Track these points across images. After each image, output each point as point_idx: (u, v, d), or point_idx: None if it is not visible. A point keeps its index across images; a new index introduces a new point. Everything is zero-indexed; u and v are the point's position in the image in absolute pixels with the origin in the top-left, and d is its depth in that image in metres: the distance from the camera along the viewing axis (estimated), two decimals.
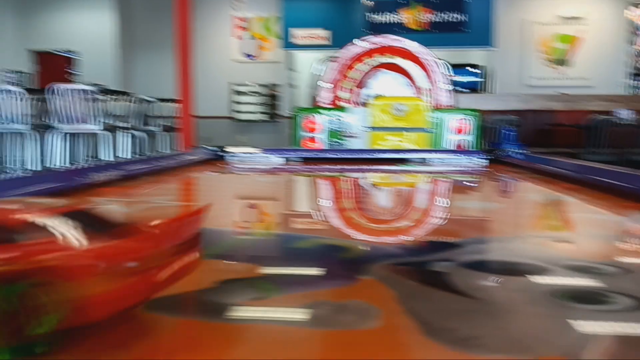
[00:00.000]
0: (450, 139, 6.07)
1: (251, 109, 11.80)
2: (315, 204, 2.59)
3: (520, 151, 5.00)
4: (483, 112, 6.81)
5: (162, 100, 8.97)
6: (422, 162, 4.65)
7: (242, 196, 2.49)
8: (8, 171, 7.03)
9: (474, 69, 11.04)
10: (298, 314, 1.01)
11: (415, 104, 6.16)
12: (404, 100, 6.17)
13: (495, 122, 9.52)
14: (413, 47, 6.78)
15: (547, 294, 1.22)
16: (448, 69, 7.27)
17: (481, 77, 10.98)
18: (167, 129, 8.68)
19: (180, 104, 7.28)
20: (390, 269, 1.41)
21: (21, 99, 6.35)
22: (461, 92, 9.44)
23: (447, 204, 2.72)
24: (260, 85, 11.80)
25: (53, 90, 6.42)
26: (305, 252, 1.65)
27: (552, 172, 3.79)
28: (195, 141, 7.54)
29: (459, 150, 5.65)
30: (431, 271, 1.41)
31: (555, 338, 1.01)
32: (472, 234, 1.96)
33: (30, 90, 7.54)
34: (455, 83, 8.13)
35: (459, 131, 6.09)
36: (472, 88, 10.66)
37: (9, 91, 6.38)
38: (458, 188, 3.31)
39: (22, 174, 2.55)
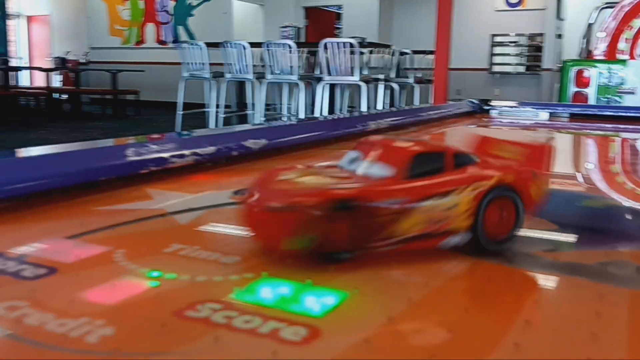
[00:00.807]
0: None
1: (510, 60, 11.22)
2: (591, 164, 2.39)
3: None
4: None
5: (417, 52, 9.04)
6: None
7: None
8: (285, 117, 7.89)
9: None
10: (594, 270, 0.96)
11: None
12: None
13: None
14: None
15: None
16: None
17: None
18: (421, 81, 8.77)
19: (436, 56, 7.25)
20: None
21: (291, 52, 6.99)
22: None
23: None
24: (522, 35, 11.11)
25: (320, 44, 6.91)
26: (595, 211, 1.55)
27: None
28: (447, 94, 7.48)
29: None
30: None
31: None
32: None
33: (300, 44, 8.27)
34: None
35: None
36: None
37: (283, 45, 7.06)
38: None
39: (308, 120, 2.79)
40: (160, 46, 12.06)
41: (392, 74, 8.69)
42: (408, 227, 0.95)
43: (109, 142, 1.54)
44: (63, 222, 1.24)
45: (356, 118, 2.47)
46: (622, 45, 5.88)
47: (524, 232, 1.06)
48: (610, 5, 6.26)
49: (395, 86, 8.42)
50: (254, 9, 12.21)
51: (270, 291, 0.85)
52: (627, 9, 5.90)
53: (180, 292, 0.85)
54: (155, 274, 0.91)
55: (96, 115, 10.16)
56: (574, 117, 3.76)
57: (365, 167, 1.02)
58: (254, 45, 7.43)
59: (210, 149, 1.70)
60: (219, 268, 0.95)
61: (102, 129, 7.64)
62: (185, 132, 1.77)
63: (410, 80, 8.54)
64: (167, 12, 11.97)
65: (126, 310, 0.80)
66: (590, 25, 6.57)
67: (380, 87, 8.00)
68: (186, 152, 1.60)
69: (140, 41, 12.38)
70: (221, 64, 7.41)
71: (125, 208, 1.32)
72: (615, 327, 0.78)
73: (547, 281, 0.94)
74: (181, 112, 7.45)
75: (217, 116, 7.43)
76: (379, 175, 0.98)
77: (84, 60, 13.29)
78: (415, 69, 8.92)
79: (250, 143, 1.83)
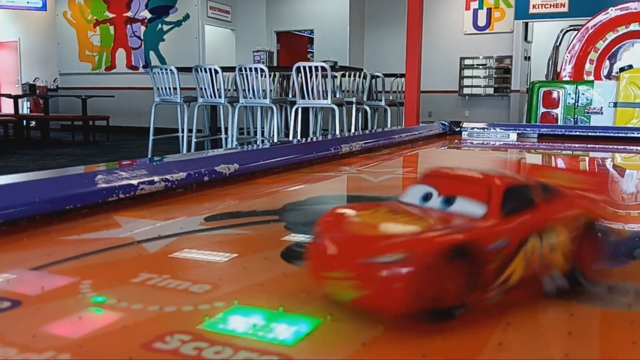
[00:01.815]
0: None
1: (479, 82, 11.46)
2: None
3: None
4: None
5: (388, 75, 9.18)
6: None
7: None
8: (259, 141, 7.88)
9: None
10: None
11: None
12: None
13: None
14: None
15: None
16: None
17: None
18: (393, 104, 8.86)
19: (407, 79, 7.36)
20: None
21: (264, 76, 7.03)
22: None
23: None
24: (491, 58, 11.36)
25: (292, 68, 6.97)
26: None
27: None
28: (419, 116, 7.57)
29: None
30: None
31: None
32: None
33: (272, 68, 8.31)
34: None
35: None
36: None
37: (256, 69, 7.10)
38: None
39: (289, 143, 2.79)
40: (131, 71, 12.01)
41: (365, 97, 8.79)
42: (512, 272, 0.83)
43: (76, 169, 1.51)
44: (28, 252, 1.20)
45: (328, 141, 2.47)
46: (588, 66, 6.06)
47: None
48: (575, 28, 6.46)
49: (368, 109, 8.51)
50: (226, 34, 12.27)
51: (241, 320, 0.84)
52: (591, 31, 6.10)
53: (148, 324, 0.83)
54: (122, 305, 0.89)
55: (66, 141, 10.02)
56: (542, 137, 3.85)
57: (447, 204, 0.88)
58: (226, 69, 7.45)
59: (181, 175, 1.69)
60: (188, 297, 0.93)
61: (71, 156, 7.53)
62: (155, 158, 1.75)
63: (382, 103, 8.64)
64: (138, 37, 11.95)
65: (92, 344, 0.78)
66: (556, 47, 6.76)
67: (353, 110, 8.07)
68: (156, 178, 1.58)
69: (110, 66, 12.31)
70: (193, 89, 7.40)
71: (93, 237, 1.29)
72: (586, 346, 0.78)
73: (517, 303, 0.94)
74: (153, 138, 7.40)
75: (189, 141, 7.40)
76: (470, 213, 0.85)
77: (53, 87, 13.14)
78: (387, 92, 9.04)
79: (221, 168, 1.82)
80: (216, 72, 7.17)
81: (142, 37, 12.03)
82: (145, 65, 11.45)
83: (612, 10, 6.03)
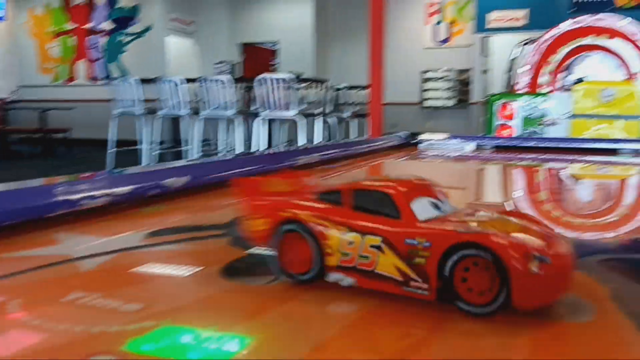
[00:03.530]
0: None
1: (440, 94, 11.63)
2: (509, 194, 2.46)
3: None
4: None
5: (352, 87, 9.24)
6: (636, 153, 4.15)
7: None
8: (219, 153, 7.82)
9: None
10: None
11: (627, 88, 5.53)
12: (612, 85, 5.59)
13: None
14: (625, 25, 6.07)
15: None
16: None
17: None
18: (357, 116, 8.92)
19: (370, 91, 7.42)
20: (601, 264, 1.30)
21: (228, 87, 6.99)
22: None
23: None
24: (451, 71, 11.55)
25: (256, 79, 6.94)
26: None
27: None
28: (383, 127, 7.64)
29: None
30: None
31: None
32: None
33: (236, 80, 8.28)
34: None
35: None
36: None
37: (218, 80, 7.05)
38: None
39: (239, 155, 2.76)
40: (92, 83, 11.81)
41: (328, 109, 8.81)
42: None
43: (15, 184, 1.46)
44: None
45: (285, 153, 2.47)
46: (542, 79, 6.20)
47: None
48: (530, 41, 6.62)
49: (332, 121, 8.53)
50: (189, 45, 12.17)
51: (170, 340, 0.82)
52: (545, 45, 6.25)
53: (73, 344, 0.80)
54: (48, 325, 0.86)
55: (25, 154, 9.78)
56: (497, 148, 3.90)
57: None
58: (189, 80, 7.38)
59: (127, 189, 1.65)
60: (117, 317, 0.90)
61: (30, 169, 7.34)
62: (103, 172, 1.71)
63: (346, 114, 8.68)
64: (98, 48, 11.77)
65: None
66: (512, 61, 6.91)
67: (317, 122, 8.08)
68: (99, 192, 1.55)
69: (70, 78, 12.08)
70: (155, 100, 7.31)
71: (29, 254, 1.25)
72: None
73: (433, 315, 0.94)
74: (113, 150, 7.27)
75: (150, 153, 7.29)
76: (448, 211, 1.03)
77: (12, 99, 12.83)
78: (351, 104, 9.09)
79: (169, 181, 1.78)
80: (178, 83, 7.10)
81: (103, 49, 11.85)
82: (106, 76, 11.28)
83: (564, 24, 6.21)
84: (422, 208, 1.00)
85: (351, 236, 0.98)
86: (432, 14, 11.54)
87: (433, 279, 0.90)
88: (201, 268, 1.19)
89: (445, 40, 11.54)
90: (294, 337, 0.84)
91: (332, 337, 0.84)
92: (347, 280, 0.97)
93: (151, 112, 7.32)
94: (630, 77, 5.83)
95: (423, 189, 1.05)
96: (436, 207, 1.03)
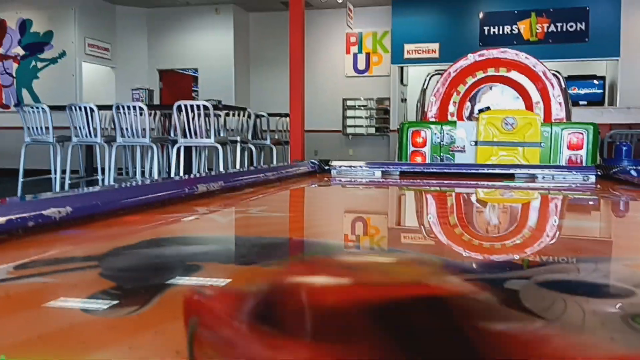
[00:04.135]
0: (563, 154, 5.73)
1: (361, 122, 11.93)
2: (398, 217, 2.55)
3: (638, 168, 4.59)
4: (601, 126, 6.36)
5: (273, 115, 9.32)
6: (531, 178, 4.40)
7: (332, 208, 2.52)
8: (128, 180, 7.64)
9: (595, 80, 10.38)
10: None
11: (526, 117, 5.89)
12: (514, 114, 5.93)
13: (613, 136, 8.84)
14: (527, 59, 6.50)
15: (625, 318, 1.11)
16: (563, 81, 6.89)
17: (602, 89, 10.30)
18: (278, 143, 8.98)
19: (291, 118, 7.52)
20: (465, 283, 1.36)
21: (141, 115, 6.88)
22: (579, 105, 8.90)
23: (553, 222, 2.56)
24: (371, 99, 11.89)
25: (175, 106, 6.87)
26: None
27: None
28: (304, 154, 7.73)
29: (571, 167, 5.28)
30: (503, 289, 1.34)
31: None
32: (566, 253, 1.83)
33: (153, 107, 8.16)
34: (573, 96, 7.68)
35: (573, 147, 5.72)
36: (592, 101, 10.04)
37: (134, 107, 6.93)
38: (564, 206, 3.10)
39: (135, 183, 2.69)
40: (1, 110, 11.31)
41: (249, 136, 8.82)
42: None
43: None
44: None
45: (183, 181, 2.45)
46: (451, 108, 6.50)
47: None
48: (439, 72, 6.93)
49: (253, 148, 8.55)
50: (105, 72, 11.91)
51: None
52: (453, 75, 6.57)
53: None
54: None
55: None
56: (403, 174, 4.01)
57: None
58: (103, 107, 7.21)
59: (2, 219, 1.59)
60: None
61: None
62: None
63: (268, 141, 8.73)
64: (9, 74, 11.30)
65: None
66: (424, 91, 7.22)
67: (238, 149, 8.07)
68: None
69: None
70: (68, 128, 7.09)
71: None
72: None
73: None
74: (22, 180, 6.96)
75: (62, 183, 7.04)
76: None
77: None
78: (273, 131, 9.16)
79: (51, 212, 1.73)
80: (92, 110, 6.92)
81: (14, 75, 11.39)
82: (17, 103, 10.83)
83: (471, 56, 6.56)
84: None
85: None
86: (352, 44, 11.87)
87: None
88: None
89: (365, 70, 11.89)
90: None
91: None
92: None
93: (64, 139, 7.09)
94: (530, 106, 6.22)
95: None
96: None
